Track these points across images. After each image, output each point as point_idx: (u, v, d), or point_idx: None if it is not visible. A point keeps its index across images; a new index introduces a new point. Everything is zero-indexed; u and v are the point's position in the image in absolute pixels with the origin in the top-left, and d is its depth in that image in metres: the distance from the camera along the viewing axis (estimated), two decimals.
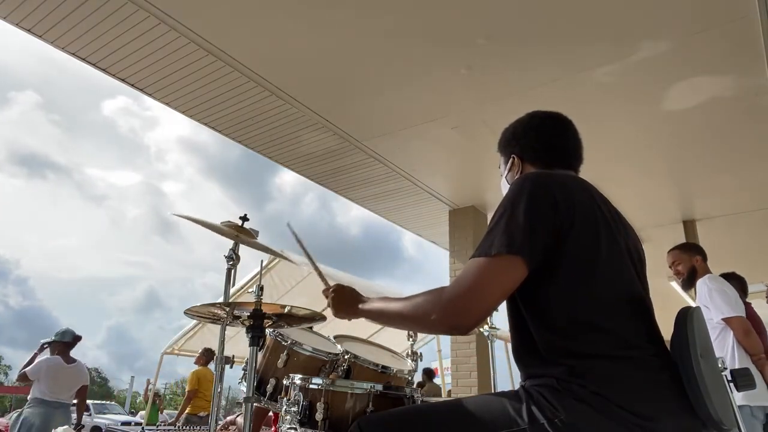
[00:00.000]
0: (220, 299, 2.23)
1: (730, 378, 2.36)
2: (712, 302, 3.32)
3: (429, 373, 8.74)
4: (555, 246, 1.17)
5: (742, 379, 2.34)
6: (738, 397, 3.07)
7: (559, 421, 1.06)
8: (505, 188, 1.54)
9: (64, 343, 5.07)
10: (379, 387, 1.63)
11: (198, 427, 6.33)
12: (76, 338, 5.17)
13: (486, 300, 1.15)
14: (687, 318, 1.17)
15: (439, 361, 10.47)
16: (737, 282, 3.76)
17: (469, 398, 1.23)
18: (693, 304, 1.32)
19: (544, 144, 1.48)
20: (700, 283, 3.45)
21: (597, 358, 1.11)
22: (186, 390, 6.82)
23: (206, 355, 6.89)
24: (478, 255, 1.18)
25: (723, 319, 3.26)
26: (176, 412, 7.15)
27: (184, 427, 6.41)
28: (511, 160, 1.52)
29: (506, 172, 1.54)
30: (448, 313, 1.16)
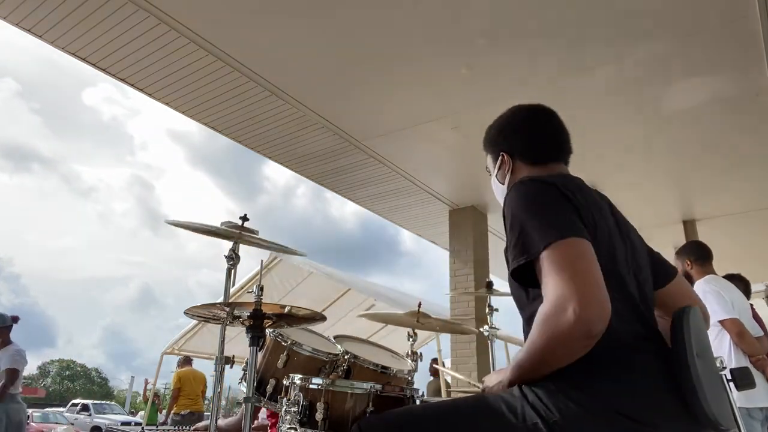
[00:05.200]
0: (219, 299, 2.23)
1: (729, 377, 2.33)
2: (707, 304, 3.29)
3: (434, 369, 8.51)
4: None
5: (741, 378, 2.32)
6: (735, 399, 3.05)
7: (553, 423, 1.05)
8: (497, 187, 1.52)
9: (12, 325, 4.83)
10: (379, 387, 1.63)
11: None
12: (14, 318, 4.86)
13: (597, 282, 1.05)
14: (683, 317, 1.16)
15: (439, 360, 10.46)
16: (741, 283, 3.72)
17: (467, 398, 1.22)
18: None
19: (531, 138, 1.46)
20: (697, 286, 3.41)
21: (595, 360, 1.09)
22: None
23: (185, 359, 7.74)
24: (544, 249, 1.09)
25: (718, 321, 3.24)
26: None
27: (184, 427, 6.48)
28: (500, 158, 1.48)
29: (496, 171, 1.51)
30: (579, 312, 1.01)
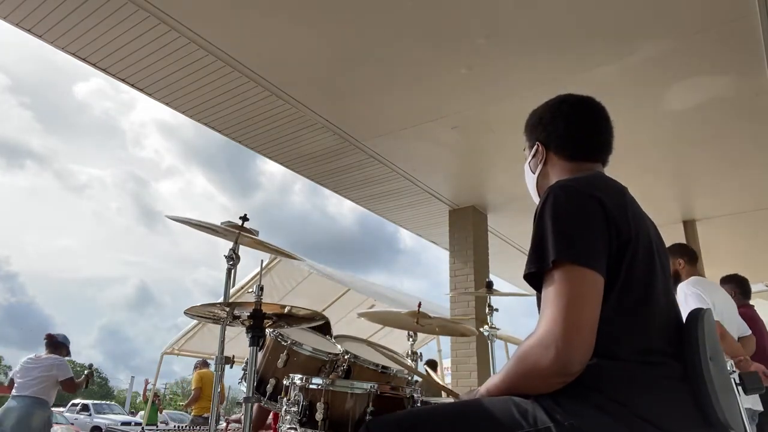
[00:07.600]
0: (218, 298, 2.23)
1: (738, 381, 2.32)
2: (687, 306, 3.28)
3: (432, 365, 8.47)
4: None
5: (750, 382, 2.31)
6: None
7: (569, 425, 1.03)
8: (527, 174, 1.48)
9: (45, 342, 5.21)
10: (379, 387, 1.62)
11: (199, 428, 6.38)
12: (47, 336, 5.20)
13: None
14: (698, 320, 1.15)
15: (440, 360, 10.47)
16: (735, 285, 3.72)
17: (476, 400, 1.19)
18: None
19: (571, 135, 1.39)
20: (680, 288, 3.40)
21: (616, 360, 1.07)
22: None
23: (204, 362, 7.66)
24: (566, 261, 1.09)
25: None
26: (176, 412, 7.44)
27: (185, 427, 6.49)
28: (535, 147, 1.43)
29: (530, 158, 1.47)
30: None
